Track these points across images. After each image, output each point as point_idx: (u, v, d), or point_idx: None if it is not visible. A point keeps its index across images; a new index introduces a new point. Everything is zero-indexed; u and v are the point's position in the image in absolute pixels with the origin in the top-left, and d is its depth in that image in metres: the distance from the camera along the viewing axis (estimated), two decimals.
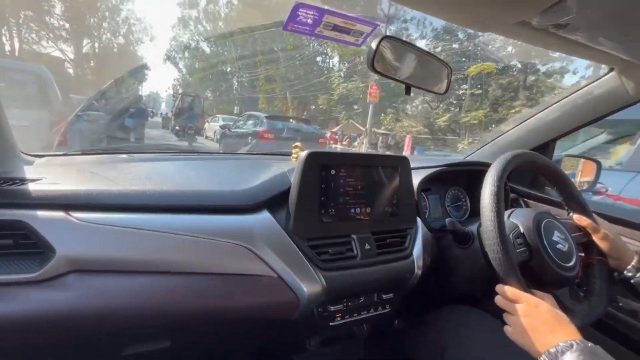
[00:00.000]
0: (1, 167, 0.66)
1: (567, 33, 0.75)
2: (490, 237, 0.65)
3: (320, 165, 0.77)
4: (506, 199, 1.20)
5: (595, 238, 0.79)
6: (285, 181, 0.79)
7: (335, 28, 0.70)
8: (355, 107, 19.90)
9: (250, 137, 7.65)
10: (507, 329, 0.60)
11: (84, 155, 0.94)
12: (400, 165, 0.92)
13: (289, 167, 0.87)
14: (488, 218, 0.67)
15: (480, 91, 14.58)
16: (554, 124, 1.19)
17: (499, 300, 0.63)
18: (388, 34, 0.67)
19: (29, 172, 0.69)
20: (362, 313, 0.84)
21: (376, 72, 0.67)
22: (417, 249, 0.91)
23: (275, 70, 21.54)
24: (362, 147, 14.00)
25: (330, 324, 0.79)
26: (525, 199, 1.28)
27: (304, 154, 0.75)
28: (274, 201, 0.76)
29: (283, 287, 0.68)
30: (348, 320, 0.82)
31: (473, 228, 0.94)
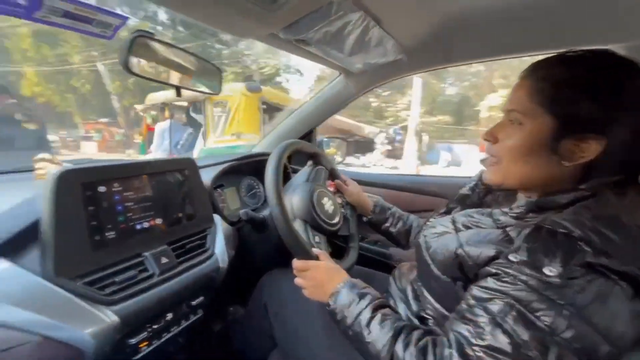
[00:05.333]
0: None
1: (306, 46, 0.95)
2: (278, 222, 0.75)
3: (82, 184, 0.63)
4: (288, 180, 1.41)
5: (346, 195, 1.08)
6: (27, 213, 0.60)
7: (69, 15, 0.57)
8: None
9: None
10: (304, 292, 0.74)
11: None
12: (186, 167, 0.89)
13: (30, 190, 0.66)
14: (273, 203, 0.76)
15: None
16: (311, 116, 1.49)
17: (295, 272, 0.75)
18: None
19: None
20: (172, 330, 0.79)
21: (132, 73, 0.60)
22: (219, 246, 0.93)
23: None
24: None
25: (135, 358, 0.70)
26: None
27: (53, 173, 0.59)
28: (15, 243, 0.56)
29: (57, 347, 0.53)
30: (157, 344, 0.75)
31: (267, 213, 1.06)
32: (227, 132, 4.11)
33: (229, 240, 0.99)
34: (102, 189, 0.67)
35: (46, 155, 0.90)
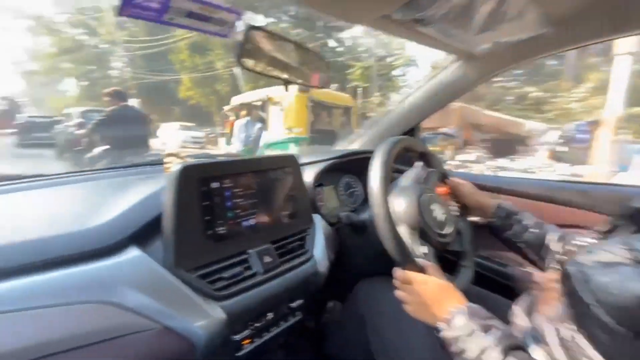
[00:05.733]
0: None
1: (423, 27, 0.82)
2: (381, 227, 0.67)
3: (198, 180, 0.65)
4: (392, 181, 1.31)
5: (462, 197, 0.91)
6: (155, 204, 0.65)
7: (192, 15, 0.58)
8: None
9: None
10: (407, 308, 0.64)
11: None
12: (288, 164, 0.87)
13: (160, 184, 0.72)
14: (376, 205, 0.68)
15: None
16: (418, 110, 1.33)
17: (396, 283, 0.66)
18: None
19: None
20: (271, 330, 0.78)
21: (245, 68, 0.59)
22: (319, 248, 0.89)
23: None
24: None
25: (237, 354, 0.70)
26: None
27: (175, 169, 0.62)
28: (144, 232, 0.61)
29: (173, 337, 0.55)
30: (258, 343, 0.74)
31: (367, 215, 0.98)
32: (283, 126, 4.99)
33: (329, 241, 0.94)
34: (215, 184, 0.68)
35: (174, 151, 1.01)
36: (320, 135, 5.29)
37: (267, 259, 0.74)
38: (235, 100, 6.44)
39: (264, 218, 0.78)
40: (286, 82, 0.69)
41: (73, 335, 0.47)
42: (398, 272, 0.66)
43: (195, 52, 16.03)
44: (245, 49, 0.57)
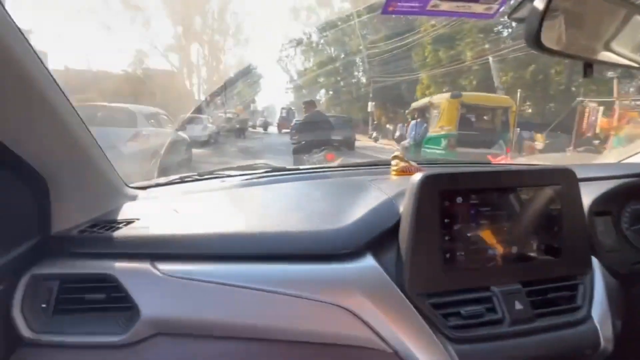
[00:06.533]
0: (104, 206, 0.67)
1: None
2: None
3: (440, 192, 0.56)
4: None
5: None
6: (392, 213, 0.61)
7: None
8: None
9: None
10: None
11: (183, 183, 0.93)
12: (562, 181, 0.63)
13: (392, 189, 0.69)
14: None
15: None
16: None
17: None
18: None
19: (129, 210, 0.69)
20: None
21: (542, 49, 0.42)
22: (600, 308, 0.60)
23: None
24: None
25: None
26: None
27: (418, 177, 0.55)
28: (379, 241, 0.58)
29: None
30: None
31: None
32: (437, 125, 6.26)
33: (614, 301, 0.63)
34: (459, 200, 0.57)
35: (399, 154, 0.98)
36: (473, 133, 6.26)
37: (518, 306, 0.56)
38: (412, 106, 8.28)
39: (514, 249, 0.60)
40: (585, 65, 0.46)
41: (303, 330, 0.49)
42: None
43: (439, 47, 14.36)
44: (546, 23, 0.40)
